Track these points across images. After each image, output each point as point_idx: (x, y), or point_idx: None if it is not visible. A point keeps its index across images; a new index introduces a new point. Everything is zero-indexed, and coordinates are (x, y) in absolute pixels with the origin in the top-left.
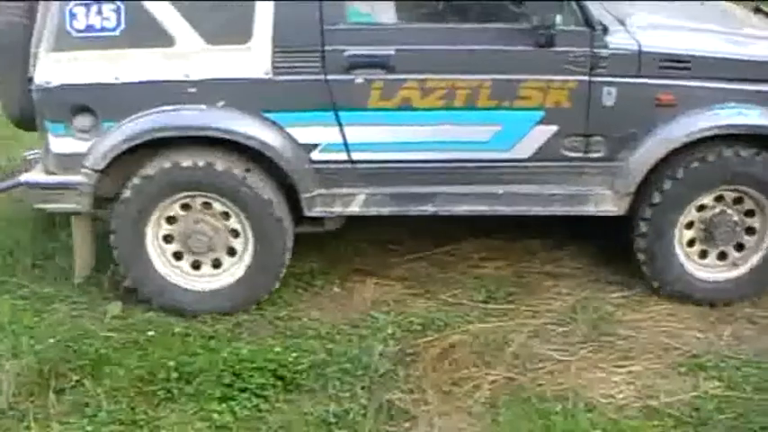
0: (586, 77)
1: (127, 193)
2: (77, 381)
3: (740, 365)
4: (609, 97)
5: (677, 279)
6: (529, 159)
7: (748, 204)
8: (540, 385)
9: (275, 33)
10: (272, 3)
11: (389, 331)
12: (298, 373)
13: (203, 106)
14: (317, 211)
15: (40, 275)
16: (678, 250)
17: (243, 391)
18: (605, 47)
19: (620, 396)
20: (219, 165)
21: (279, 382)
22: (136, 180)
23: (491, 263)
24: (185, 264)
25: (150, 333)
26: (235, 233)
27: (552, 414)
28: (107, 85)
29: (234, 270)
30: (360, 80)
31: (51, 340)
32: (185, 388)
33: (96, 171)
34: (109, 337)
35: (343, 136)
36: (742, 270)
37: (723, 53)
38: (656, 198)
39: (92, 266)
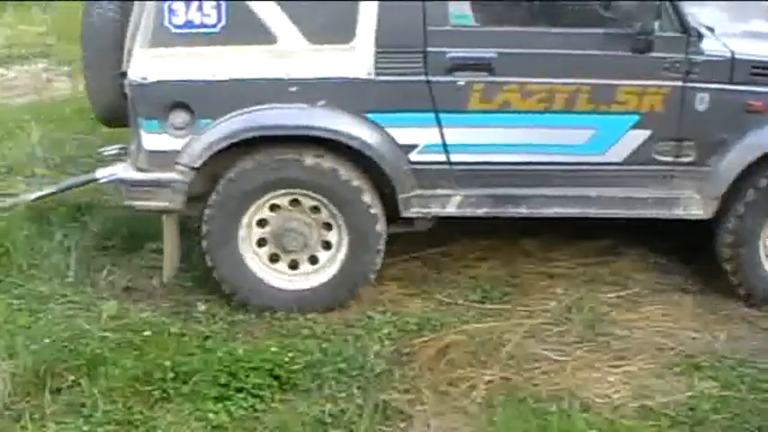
0: (680, 83)
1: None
2: (73, 381)
3: (736, 365)
4: (701, 103)
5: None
6: (622, 163)
7: None
8: (535, 385)
9: (378, 34)
10: (376, 3)
11: (385, 331)
12: (293, 373)
13: (304, 105)
14: (413, 212)
15: (35, 275)
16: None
17: (239, 391)
18: (700, 53)
19: (616, 396)
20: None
21: (275, 382)
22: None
23: (486, 263)
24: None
25: (146, 333)
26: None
27: (548, 414)
28: (205, 82)
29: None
30: (461, 82)
31: (47, 340)
32: (181, 388)
33: (192, 169)
34: (105, 337)
35: (443, 137)
36: None
37: None
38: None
39: (177, 266)
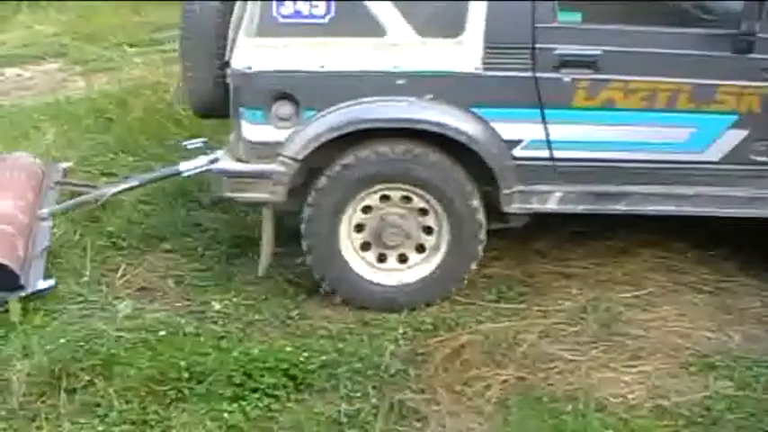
0: None
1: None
2: (88, 381)
3: (751, 365)
4: None
5: None
6: (719, 162)
7: None
8: (550, 385)
9: (487, 29)
10: None
11: (400, 331)
12: (309, 372)
13: (412, 98)
14: (514, 208)
15: (51, 274)
16: None
17: (254, 391)
18: None
19: (631, 396)
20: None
21: (290, 382)
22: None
23: (501, 263)
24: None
25: (161, 333)
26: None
27: (563, 414)
28: (312, 73)
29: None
30: (567, 79)
31: (62, 340)
32: (196, 388)
33: (296, 161)
34: (120, 337)
35: (547, 133)
36: None
37: None
38: None
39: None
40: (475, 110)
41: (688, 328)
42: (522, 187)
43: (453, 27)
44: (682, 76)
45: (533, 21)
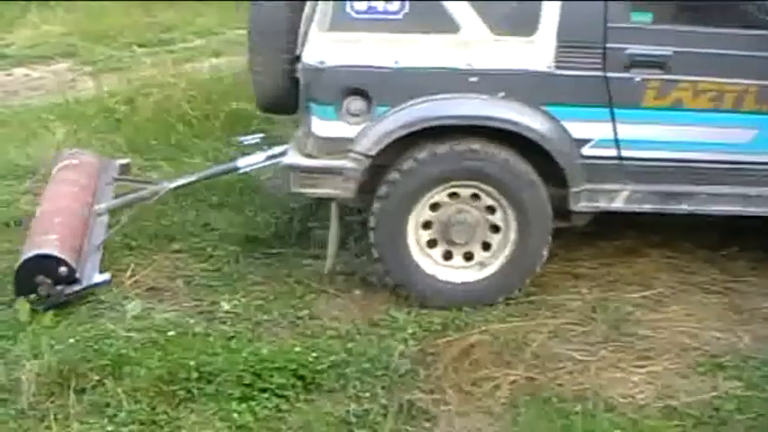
0: None
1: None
2: (98, 381)
3: (760, 365)
4: None
5: None
6: None
7: None
8: (559, 385)
9: (560, 28)
10: None
11: (409, 331)
12: (318, 373)
13: (485, 96)
14: (582, 206)
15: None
16: None
17: (263, 391)
18: None
19: (640, 396)
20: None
21: (299, 383)
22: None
23: None
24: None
25: (170, 333)
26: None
27: (572, 414)
28: (385, 68)
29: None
30: (638, 79)
31: (71, 340)
32: (205, 388)
33: (368, 157)
34: (129, 337)
35: (615, 133)
36: None
37: None
38: None
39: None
40: (546, 108)
41: (697, 328)
42: (589, 186)
43: (527, 26)
44: (748, 77)
45: (605, 20)
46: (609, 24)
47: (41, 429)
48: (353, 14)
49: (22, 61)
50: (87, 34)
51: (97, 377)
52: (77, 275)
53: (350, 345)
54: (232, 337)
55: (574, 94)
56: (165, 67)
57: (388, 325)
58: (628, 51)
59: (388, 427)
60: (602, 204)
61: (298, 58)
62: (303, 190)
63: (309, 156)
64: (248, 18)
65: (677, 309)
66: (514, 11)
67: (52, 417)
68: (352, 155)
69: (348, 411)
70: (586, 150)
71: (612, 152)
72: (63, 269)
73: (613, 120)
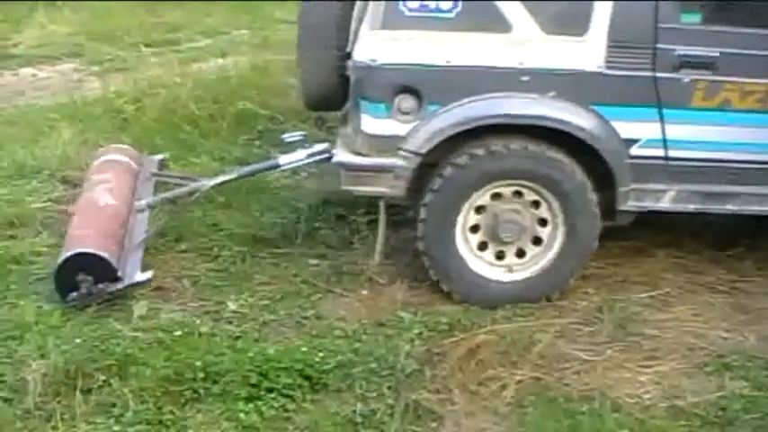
0: None
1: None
2: (104, 381)
3: (766, 365)
4: None
5: None
6: None
7: None
8: (566, 385)
9: (611, 28)
10: None
11: (416, 331)
12: (324, 373)
13: (535, 95)
14: (629, 206)
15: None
16: None
17: (269, 391)
18: None
19: (647, 396)
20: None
21: (305, 383)
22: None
23: None
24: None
25: (177, 333)
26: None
27: (578, 414)
28: (437, 67)
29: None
30: (686, 79)
31: (78, 340)
32: (212, 388)
33: (418, 155)
34: (135, 337)
35: (663, 133)
36: None
37: None
38: None
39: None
40: (595, 108)
41: (704, 328)
42: (635, 185)
43: (578, 25)
44: None
45: (656, 21)
46: (659, 25)
47: (48, 429)
48: (406, 13)
49: (29, 61)
50: (94, 34)
51: (103, 377)
52: (119, 274)
53: (356, 345)
54: (238, 337)
55: (623, 94)
56: (172, 68)
57: (394, 325)
58: (677, 52)
59: (395, 427)
60: (649, 204)
61: (348, 56)
62: (353, 188)
63: (359, 154)
64: (298, 15)
65: (684, 309)
66: (566, 10)
67: (58, 417)
68: (402, 153)
69: (354, 411)
70: (634, 150)
71: (660, 152)
72: (104, 267)
73: (661, 120)
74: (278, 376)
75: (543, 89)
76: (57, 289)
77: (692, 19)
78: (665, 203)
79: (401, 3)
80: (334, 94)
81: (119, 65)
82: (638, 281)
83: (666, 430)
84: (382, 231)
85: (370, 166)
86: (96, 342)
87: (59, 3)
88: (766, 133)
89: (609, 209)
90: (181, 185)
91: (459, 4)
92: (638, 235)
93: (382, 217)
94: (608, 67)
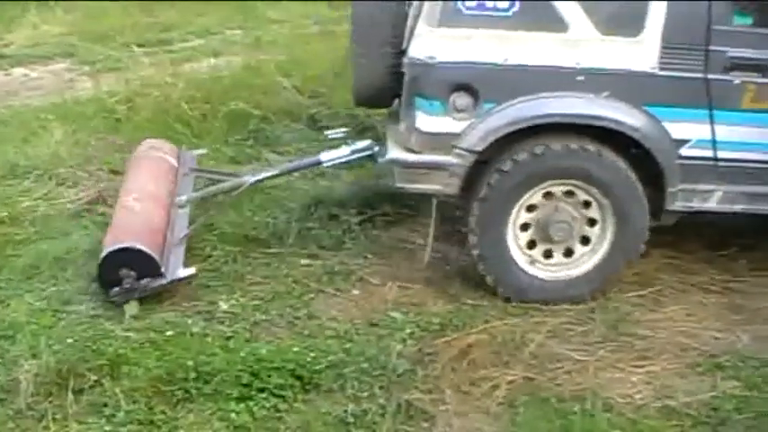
0: None
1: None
2: (96, 381)
3: (759, 366)
4: None
5: None
6: None
7: None
8: (558, 385)
9: (665, 29)
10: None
11: (408, 331)
12: (316, 373)
13: (590, 95)
14: (677, 206)
15: (61, 276)
16: None
17: (261, 391)
18: None
19: (639, 396)
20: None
21: (297, 382)
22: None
23: None
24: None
25: (168, 333)
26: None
27: (570, 414)
28: (494, 65)
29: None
30: (737, 81)
31: (70, 340)
32: (203, 388)
33: (473, 153)
34: (127, 338)
35: (713, 134)
36: None
37: None
38: None
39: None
40: (648, 108)
41: (696, 328)
42: (684, 186)
43: (633, 26)
44: None
45: (709, 23)
46: (712, 26)
47: (39, 429)
48: (464, 11)
49: (22, 61)
50: (86, 34)
51: (95, 377)
52: (162, 270)
53: (348, 345)
54: (230, 337)
55: (675, 94)
56: (164, 67)
57: (386, 325)
58: (729, 54)
59: (386, 427)
60: (696, 204)
61: (402, 53)
62: (407, 185)
63: (413, 151)
64: (352, 11)
65: (676, 309)
66: (622, 11)
67: (50, 417)
68: (457, 151)
69: (346, 411)
70: (684, 151)
71: (709, 153)
72: (148, 263)
73: (712, 121)
74: (269, 376)
75: (598, 89)
76: (100, 283)
77: (745, 21)
78: (712, 204)
79: (459, 1)
80: (386, 92)
81: (111, 65)
82: (631, 280)
83: (658, 430)
84: (432, 231)
85: (424, 163)
86: (88, 342)
87: (52, 3)
88: None
89: (654, 209)
90: (219, 181)
91: (517, 3)
92: None
93: (434, 215)
94: (661, 68)
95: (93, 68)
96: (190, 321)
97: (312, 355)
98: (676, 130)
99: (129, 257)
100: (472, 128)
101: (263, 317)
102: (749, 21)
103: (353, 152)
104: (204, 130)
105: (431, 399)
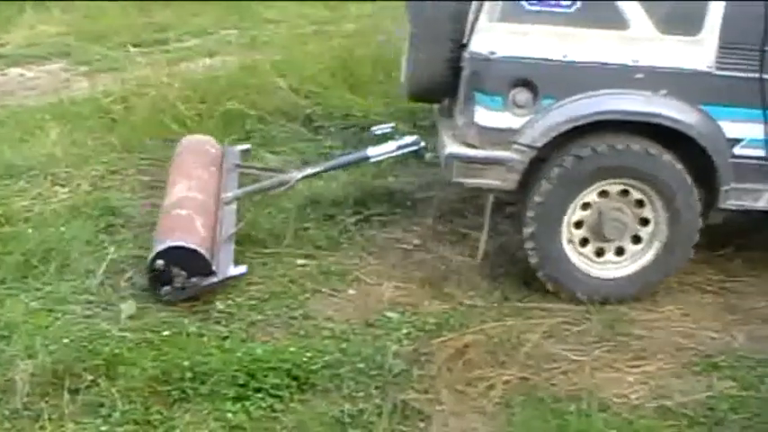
0: None
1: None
2: (92, 381)
3: (755, 365)
4: None
5: None
6: None
7: None
8: (554, 385)
9: (723, 29)
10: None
11: (404, 331)
12: (312, 373)
13: (648, 93)
14: (729, 204)
15: (57, 276)
16: None
17: (257, 391)
18: None
19: (635, 396)
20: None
21: (293, 383)
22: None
23: (505, 262)
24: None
25: (165, 333)
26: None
27: (566, 414)
28: (555, 61)
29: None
30: None
31: (66, 340)
32: (200, 388)
33: (533, 148)
34: (123, 337)
35: (766, 134)
36: None
37: None
38: None
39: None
40: (703, 107)
41: (692, 328)
42: (736, 185)
43: (692, 25)
44: None
45: (766, 24)
46: None
47: (35, 429)
48: (527, 7)
49: (18, 61)
50: (83, 34)
51: (91, 377)
52: (213, 268)
53: (344, 345)
54: (226, 337)
55: (730, 94)
56: (160, 67)
57: (382, 325)
58: None
59: (383, 427)
60: (747, 203)
61: (462, 48)
62: (465, 180)
63: (471, 146)
64: (409, 6)
65: (673, 308)
66: (681, 10)
67: (46, 417)
68: (516, 146)
69: (342, 411)
70: (738, 150)
71: (761, 152)
72: (198, 261)
73: (765, 121)
74: (266, 376)
75: (656, 87)
76: (150, 282)
77: None
78: (762, 203)
79: None
80: (443, 86)
81: (107, 65)
82: None
83: (654, 430)
84: (486, 227)
85: (483, 158)
86: (84, 342)
87: (48, 3)
88: None
89: (702, 209)
90: (264, 177)
91: (579, 1)
92: None
93: (488, 211)
94: (718, 68)
95: (90, 68)
96: (186, 321)
97: (308, 354)
98: (731, 129)
99: (180, 256)
100: (532, 123)
101: (260, 317)
102: None
103: (400, 147)
104: (200, 130)
105: (427, 399)
